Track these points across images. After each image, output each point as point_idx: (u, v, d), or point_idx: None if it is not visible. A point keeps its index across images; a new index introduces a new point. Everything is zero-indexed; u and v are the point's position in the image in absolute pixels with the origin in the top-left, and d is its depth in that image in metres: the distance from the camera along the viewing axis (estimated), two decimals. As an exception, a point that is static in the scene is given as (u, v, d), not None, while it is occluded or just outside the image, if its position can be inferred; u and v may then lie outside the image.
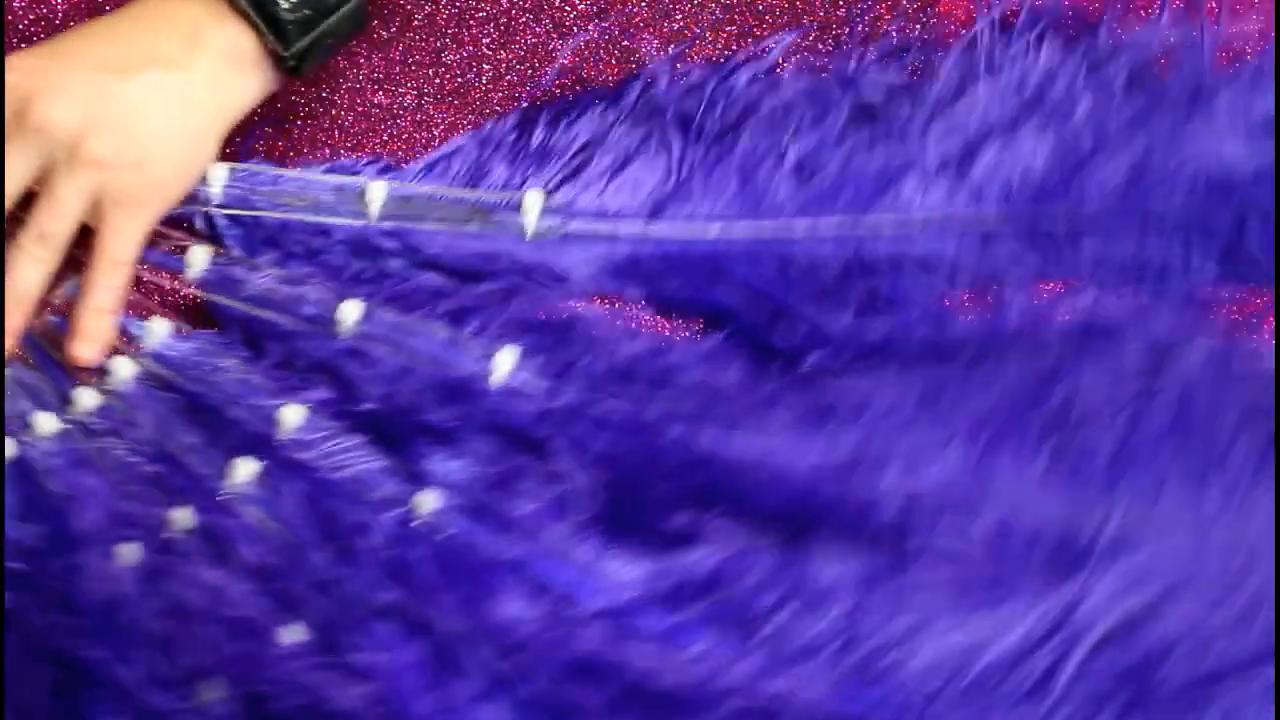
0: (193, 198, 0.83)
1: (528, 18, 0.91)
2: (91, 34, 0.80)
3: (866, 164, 0.84)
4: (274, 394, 0.81)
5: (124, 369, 0.82)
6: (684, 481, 0.80)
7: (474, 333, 0.82)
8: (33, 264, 0.79)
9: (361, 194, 0.84)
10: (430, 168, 0.86)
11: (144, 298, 0.84)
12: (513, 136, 0.86)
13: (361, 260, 0.84)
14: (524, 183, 0.86)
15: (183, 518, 0.80)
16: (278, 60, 0.81)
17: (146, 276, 0.84)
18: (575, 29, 0.91)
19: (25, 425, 0.81)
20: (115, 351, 0.82)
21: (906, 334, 0.82)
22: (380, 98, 0.89)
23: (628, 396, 0.81)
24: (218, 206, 0.84)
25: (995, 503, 0.79)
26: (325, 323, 0.82)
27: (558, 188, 0.85)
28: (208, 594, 0.79)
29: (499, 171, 0.86)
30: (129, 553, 0.80)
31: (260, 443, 0.81)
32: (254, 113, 0.87)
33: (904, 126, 0.85)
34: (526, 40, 0.90)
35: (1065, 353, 0.82)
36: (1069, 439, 0.81)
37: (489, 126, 0.87)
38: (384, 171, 0.86)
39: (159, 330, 0.82)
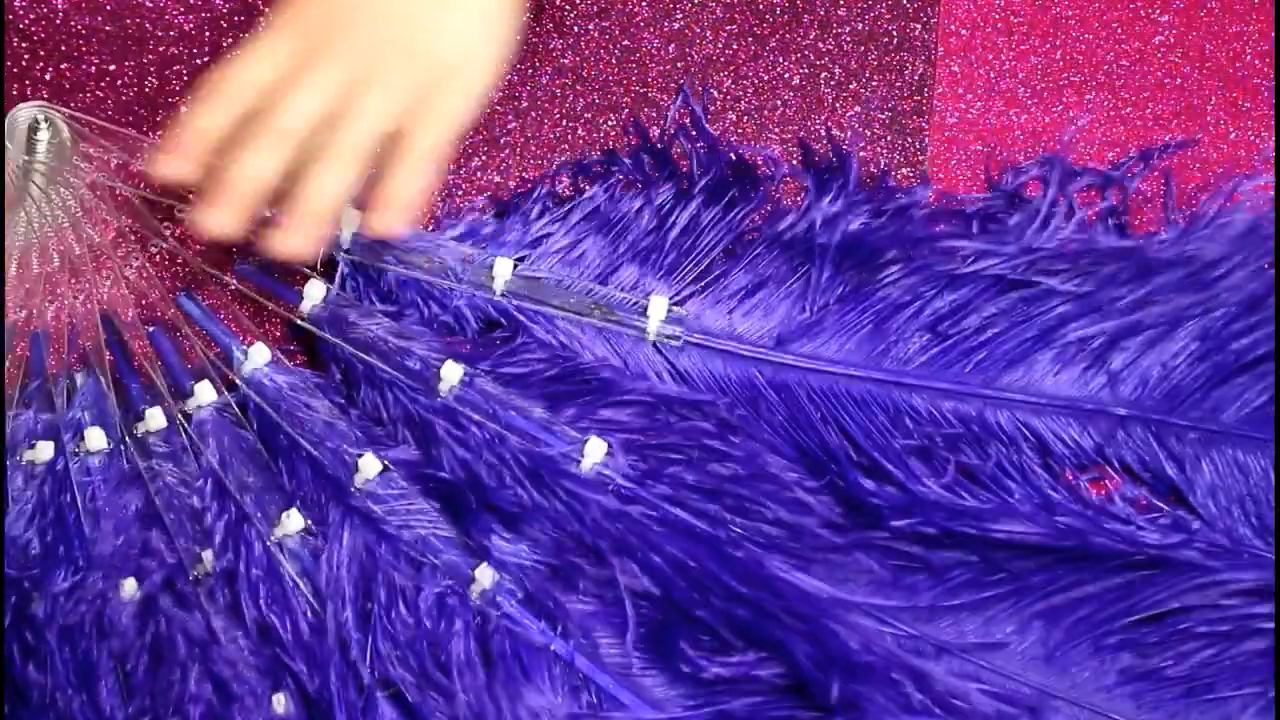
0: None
1: (528, 17, 0.91)
2: None
3: (1004, 333, 0.83)
4: (358, 443, 0.80)
5: (207, 394, 0.82)
6: (743, 602, 0.78)
7: (570, 420, 0.81)
8: (332, 175, 0.75)
9: (489, 267, 0.83)
10: (562, 254, 0.84)
11: (251, 321, 0.85)
12: (649, 228, 0.85)
13: (475, 325, 0.84)
14: (653, 286, 0.84)
15: (208, 559, 0.80)
16: None
17: (259, 301, 0.85)
18: (575, 29, 0.91)
19: (78, 435, 0.81)
20: (203, 376, 0.82)
21: (1004, 514, 0.81)
22: (381, 98, 0.89)
23: (709, 513, 0.79)
24: (345, 252, 0.83)
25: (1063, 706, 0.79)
26: (426, 379, 0.81)
27: (687, 298, 0.84)
28: (198, 642, 0.79)
29: (629, 270, 0.84)
30: (133, 585, 0.79)
31: (334, 487, 0.80)
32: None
33: (1049, 303, 0.83)
34: (527, 40, 0.90)
35: (1160, 570, 0.81)
36: (1148, 654, 0.80)
37: (623, 203, 0.85)
38: (518, 226, 0.85)
39: (260, 357, 0.82)
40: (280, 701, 0.78)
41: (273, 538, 0.79)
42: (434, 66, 0.75)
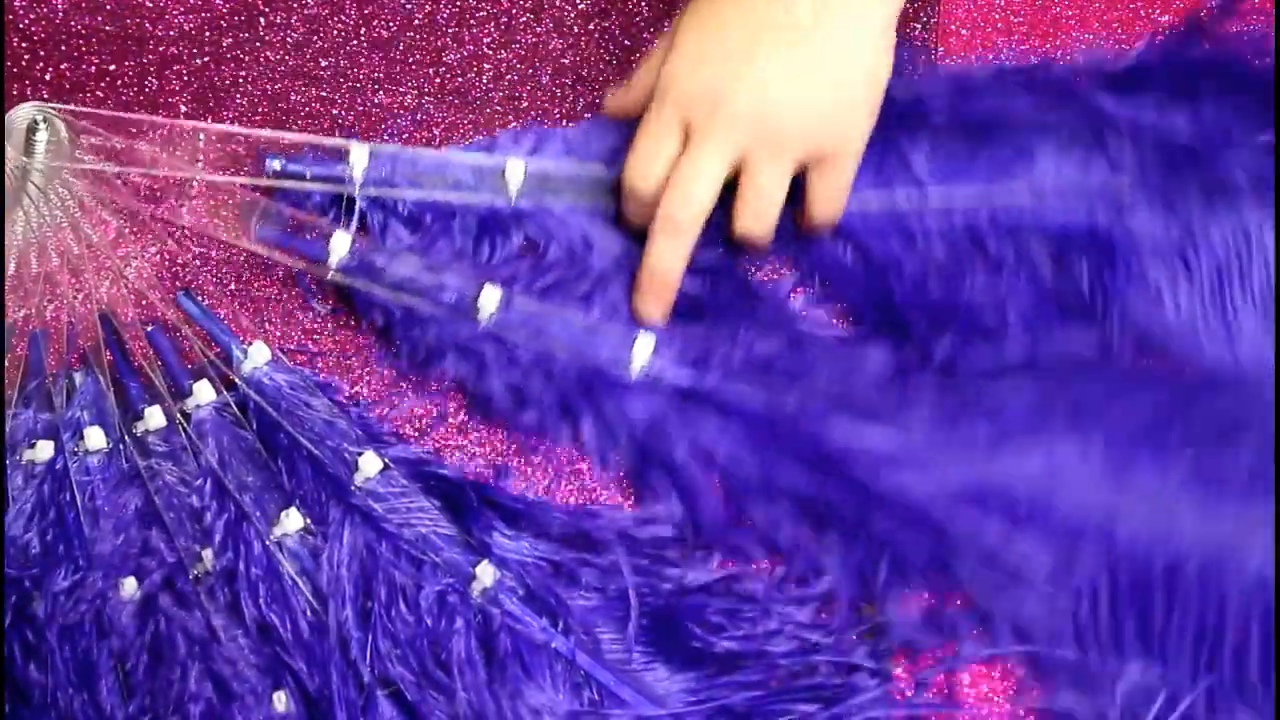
0: (336, 179, 0.84)
1: (528, 18, 0.91)
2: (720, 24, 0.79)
3: (1002, 136, 0.84)
4: (358, 442, 0.81)
5: (205, 394, 0.82)
6: (809, 481, 0.79)
7: (609, 317, 0.82)
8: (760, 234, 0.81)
9: (501, 173, 0.84)
10: (567, 145, 0.85)
11: (250, 321, 0.85)
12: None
13: (500, 239, 0.85)
14: None
15: (208, 558, 0.80)
16: None
17: (290, 264, 0.85)
18: (575, 29, 0.91)
19: (77, 435, 0.81)
20: (202, 376, 0.82)
21: (1033, 323, 0.83)
22: (380, 98, 0.89)
23: (764, 386, 0.80)
24: (360, 188, 0.84)
25: (1132, 518, 0.79)
26: (465, 309, 0.81)
27: None
28: (198, 641, 0.79)
29: None
30: (132, 584, 0.79)
31: (335, 485, 0.80)
32: (255, 115, 0.87)
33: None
34: (526, 40, 0.90)
35: (1208, 369, 0.82)
36: (1212, 454, 0.79)
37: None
38: (517, 141, 0.85)
39: (259, 356, 0.82)
40: (281, 700, 0.78)
41: (272, 537, 0.79)
42: (816, 139, 0.78)
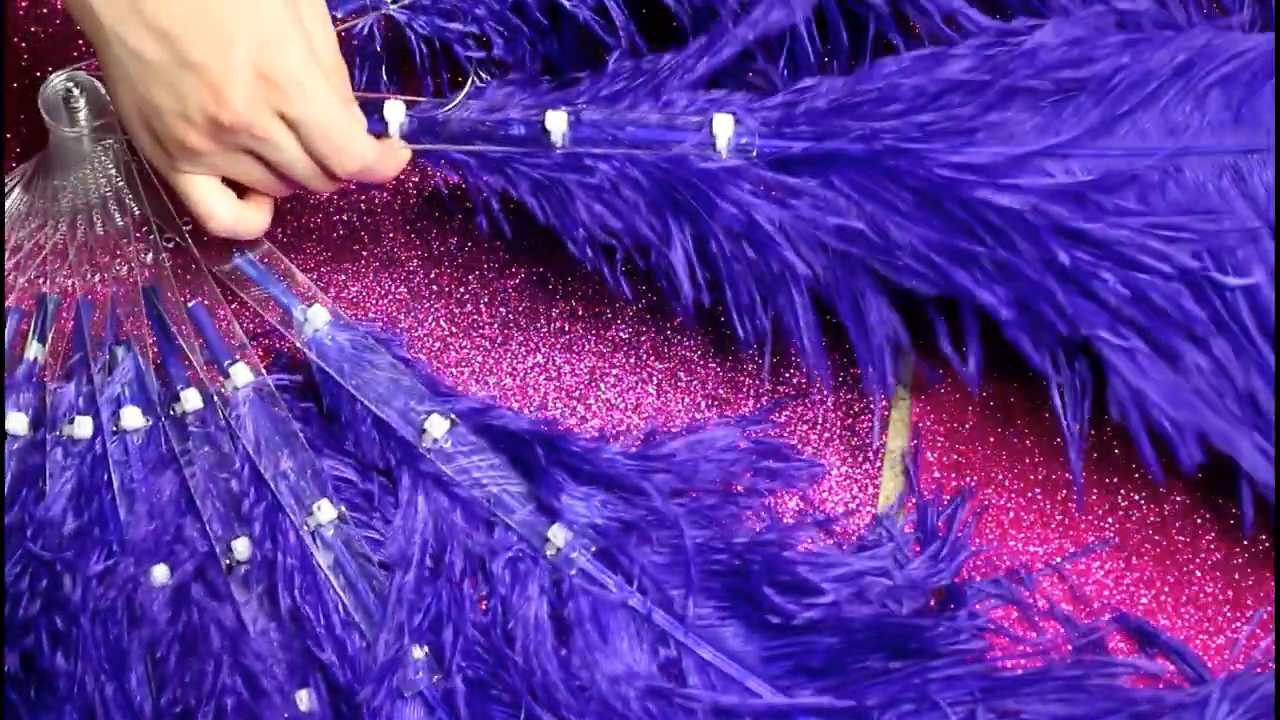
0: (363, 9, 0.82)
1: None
2: None
3: None
4: (424, 400, 0.79)
5: (243, 376, 0.79)
6: (925, 216, 0.75)
7: (682, 104, 0.78)
8: None
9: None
10: None
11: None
12: None
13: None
14: None
15: (242, 547, 0.77)
16: None
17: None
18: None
19: (115, 415, 0.79)
20: (241, 358, 0.80)
21: None
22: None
23: (860, 121, 0.76)
24: (391, 1, 0.82)
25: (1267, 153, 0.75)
26: (537, 138, 0.78)
27: None
28: (231, 635, 0.77)
29: None
30: (164, 572, 0.77)
31: (404, 450, 0.79)
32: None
33: None
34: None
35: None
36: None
37: None
38: None
39: (319, 318, 0.80)
40: (303, 699, 0.76)
41: (307, 526, 0.78)
42: None
